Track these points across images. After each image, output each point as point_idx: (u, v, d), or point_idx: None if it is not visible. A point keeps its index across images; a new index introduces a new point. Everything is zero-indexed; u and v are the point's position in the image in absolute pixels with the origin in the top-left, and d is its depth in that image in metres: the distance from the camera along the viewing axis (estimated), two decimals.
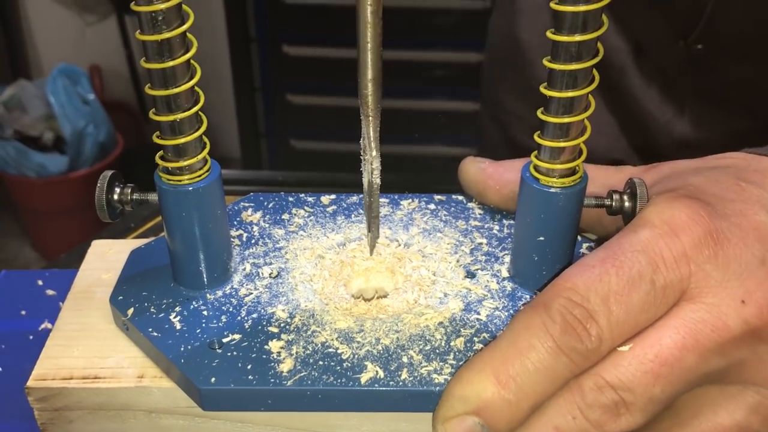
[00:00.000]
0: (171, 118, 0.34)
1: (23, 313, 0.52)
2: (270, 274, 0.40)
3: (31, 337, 0.49)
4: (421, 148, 2.03)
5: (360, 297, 0.40)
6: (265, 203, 0.45)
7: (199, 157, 0.36)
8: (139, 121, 2.24)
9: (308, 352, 0.35)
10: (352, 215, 0.44)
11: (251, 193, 0.46)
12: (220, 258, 0.39)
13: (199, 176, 0.36)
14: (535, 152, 0.36)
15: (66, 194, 1.89)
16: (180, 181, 0.36)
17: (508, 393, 0.30)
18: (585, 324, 0.30)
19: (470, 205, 0.45)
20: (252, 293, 0.39)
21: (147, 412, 0.36)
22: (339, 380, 0.34)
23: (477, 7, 1.82)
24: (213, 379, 0.34)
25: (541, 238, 0.37)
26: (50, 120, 1.89)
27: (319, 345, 0.35)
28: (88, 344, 0.37)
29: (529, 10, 0.75)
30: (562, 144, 0.34)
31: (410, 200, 0.46)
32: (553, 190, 0.35)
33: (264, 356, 0.35)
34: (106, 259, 0.43)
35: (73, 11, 2.22)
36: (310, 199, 0.46)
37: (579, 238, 0.41)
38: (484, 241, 0.42)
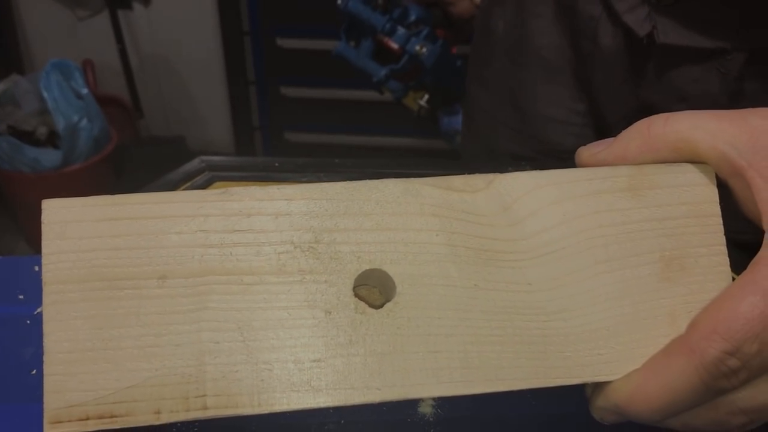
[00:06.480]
0: None
1: (21, 297, 0.52)
2: None
3: (28, 321, 0.49)
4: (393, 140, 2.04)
5: None
6: None
7: None
8: (132, 116, 2.23)
9: None
10: None
11: None
12: None
13: None
14: None
15: (60, 188, 1.88)
16: None
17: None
18: (738, 374, 0.29)
19: None
20: None
21: None
22: None
23: None
24: None
25: None
26: (44, 115, 1.88)
27: None
28: (87, 369, 0.32)
29: None
30: None
31: None
32: None
33: None
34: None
35: (66, 6, 2.21)
36: None
37: None
38: None
